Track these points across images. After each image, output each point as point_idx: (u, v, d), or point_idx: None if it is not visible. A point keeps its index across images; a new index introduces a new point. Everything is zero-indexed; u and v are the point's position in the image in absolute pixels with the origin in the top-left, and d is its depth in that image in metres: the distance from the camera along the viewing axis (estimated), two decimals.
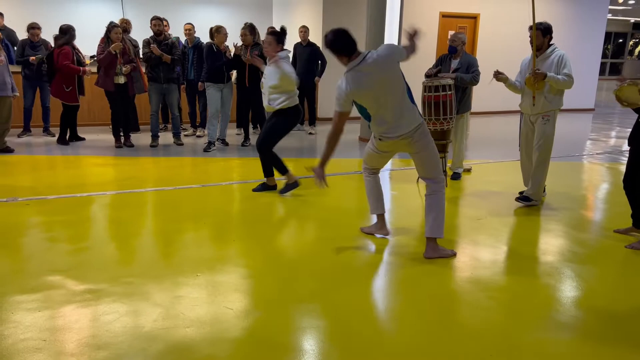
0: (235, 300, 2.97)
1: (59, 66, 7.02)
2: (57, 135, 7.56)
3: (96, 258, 3.52)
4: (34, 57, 7.32)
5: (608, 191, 5.70)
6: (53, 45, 7.37)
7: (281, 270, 3.41)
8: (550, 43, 4.69)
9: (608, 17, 20.25)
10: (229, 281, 3.22)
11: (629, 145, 4.04)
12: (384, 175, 6.28)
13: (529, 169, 4.93)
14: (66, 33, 7.13)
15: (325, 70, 8.73)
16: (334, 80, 9.82)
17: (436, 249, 3.64)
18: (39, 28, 7.58)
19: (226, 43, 7.16)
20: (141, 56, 7.36)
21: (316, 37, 9.25)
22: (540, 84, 4.59)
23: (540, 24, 4.62)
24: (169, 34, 7.83)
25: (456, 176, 5.84)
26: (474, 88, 5.87)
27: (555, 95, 4.67)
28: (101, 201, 4.85)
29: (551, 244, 4.04)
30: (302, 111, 5.19)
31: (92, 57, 7.68)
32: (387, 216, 4.80)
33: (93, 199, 4.90)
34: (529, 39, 4.68)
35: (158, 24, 7.04)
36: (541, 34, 4.62)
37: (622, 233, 4.20)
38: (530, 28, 4.64)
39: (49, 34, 7.77)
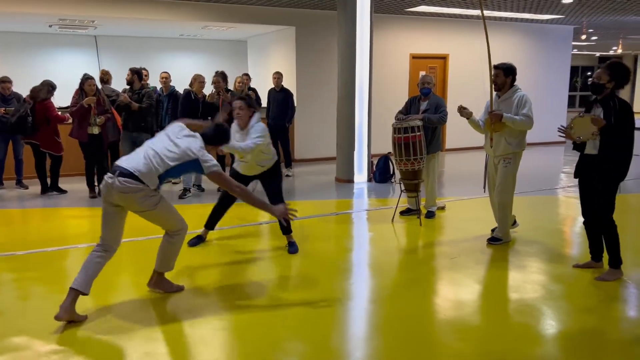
0: (207, 354, 2.92)
1: (50, 117, 7.05)
2: (29, 188, 7.55)
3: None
4: (3, 109, 7.31)
5: (581, 225, 5.78)
6: (29, 96, 7.36)
7: (255, 320, 3.37)
8: (514, 84, 4.79)
9: (574, 52, 20.94)
10: (201, 334, 3.17)
11: (575, 177, 4.15)
12: (362, 215, 6.32)
13: None
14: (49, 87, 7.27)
15: (303, 113, 8.91)
16: (310, 123, 10.01)
17: (159, 282, 3.76)
18: (9, 82, 7.58)
19: (204, 91, 7.25)
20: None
21: (290, 83, 9.43)
22: (499, 125, 4.64)
23: (504, 64, 4.72)
24: (147, 84, 7.91)
25: (430, 215, 5.90)
26: (448, 125, 5.98)
27: (516, 138, 4.69)
28: (74, 255, 4.78)
29: (524, 280, 4.07)
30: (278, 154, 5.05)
31: (59, 108, 7.67)
32: (365, 257, 4.82)
33: (65, 253, 4.83)
34: (492, 77, 4.78)
35: (129, 74, 7.15)
36: (503, 74, 4.71)
37: (582, 267, 4.26)
38: (495, 67, 4.72)
39: (21, 86, 7.78)
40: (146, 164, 3.32)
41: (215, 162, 3.46)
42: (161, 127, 7.97)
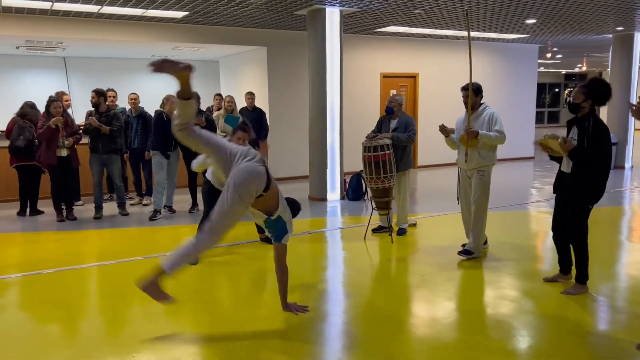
0: None
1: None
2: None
3: (26, 344, 3.33)
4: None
5: (551, 239, 5.88)
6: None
7: (227, 344, 3.31)
8: (482, 102, 4.95)
9: (542, 70, 21.48)
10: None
11: (554, 192, 4.23)
12: (335, 233, 6.31)
13: (470, 221, 5.07)
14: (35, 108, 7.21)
15: (275, 132, 8.92)
16: (283, 141, 10.03)
17: (154, 284, 3.28)
18: None
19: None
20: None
21: (262, 102, 9.45)
22: (474, 141, 4.81)
23: (472, 84, 4.89)
24: (116, 105, 7.83)
25: (402, 232, 5.93)
26: (421, 142, 6.05)
27: (489, 152, 4.89)
28: (39, 281, 4.64)
29: (495, 296, 4.10)
30: None
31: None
32: (338, 276, 4.80)
33: (30, 279, 4.69)
34: (462, 99, 4.94)
35: (94, 96, 7.05)
36: (473, 94, 4.88)
37: (551, 281, 4.32)
38: (463, 89, 4.91)
39: None
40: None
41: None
42: (130, 149, 7.89)
